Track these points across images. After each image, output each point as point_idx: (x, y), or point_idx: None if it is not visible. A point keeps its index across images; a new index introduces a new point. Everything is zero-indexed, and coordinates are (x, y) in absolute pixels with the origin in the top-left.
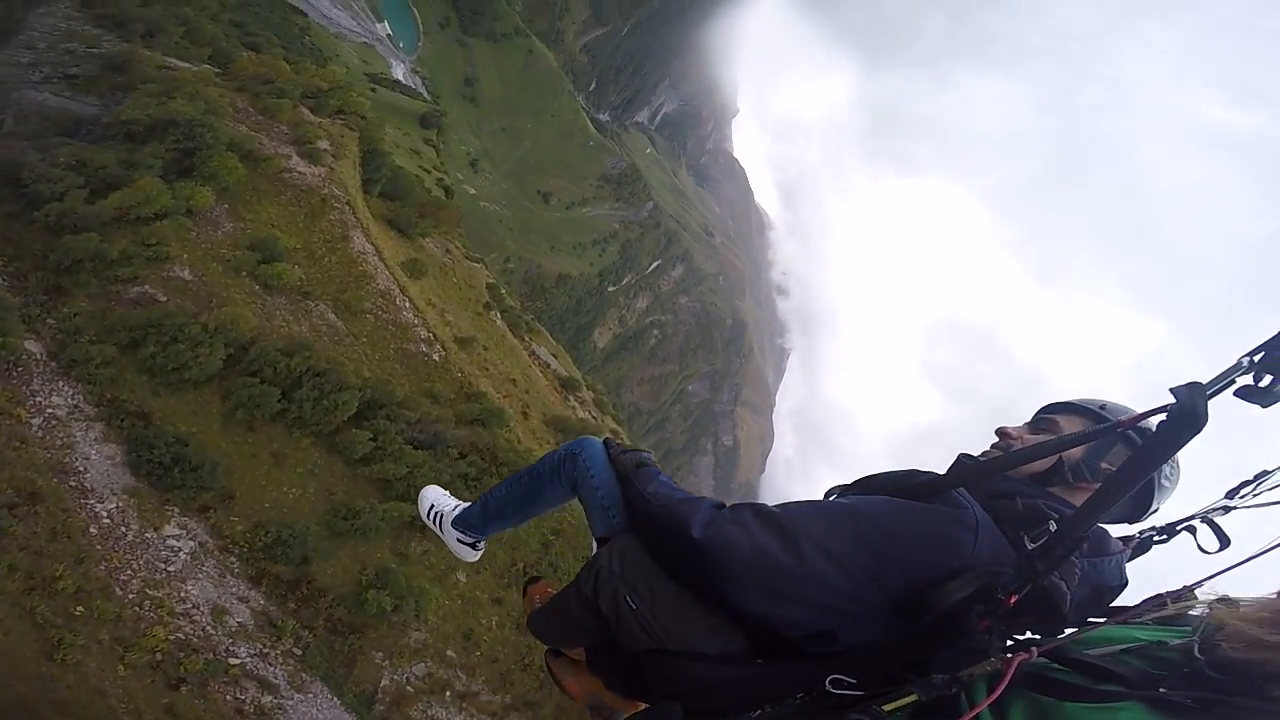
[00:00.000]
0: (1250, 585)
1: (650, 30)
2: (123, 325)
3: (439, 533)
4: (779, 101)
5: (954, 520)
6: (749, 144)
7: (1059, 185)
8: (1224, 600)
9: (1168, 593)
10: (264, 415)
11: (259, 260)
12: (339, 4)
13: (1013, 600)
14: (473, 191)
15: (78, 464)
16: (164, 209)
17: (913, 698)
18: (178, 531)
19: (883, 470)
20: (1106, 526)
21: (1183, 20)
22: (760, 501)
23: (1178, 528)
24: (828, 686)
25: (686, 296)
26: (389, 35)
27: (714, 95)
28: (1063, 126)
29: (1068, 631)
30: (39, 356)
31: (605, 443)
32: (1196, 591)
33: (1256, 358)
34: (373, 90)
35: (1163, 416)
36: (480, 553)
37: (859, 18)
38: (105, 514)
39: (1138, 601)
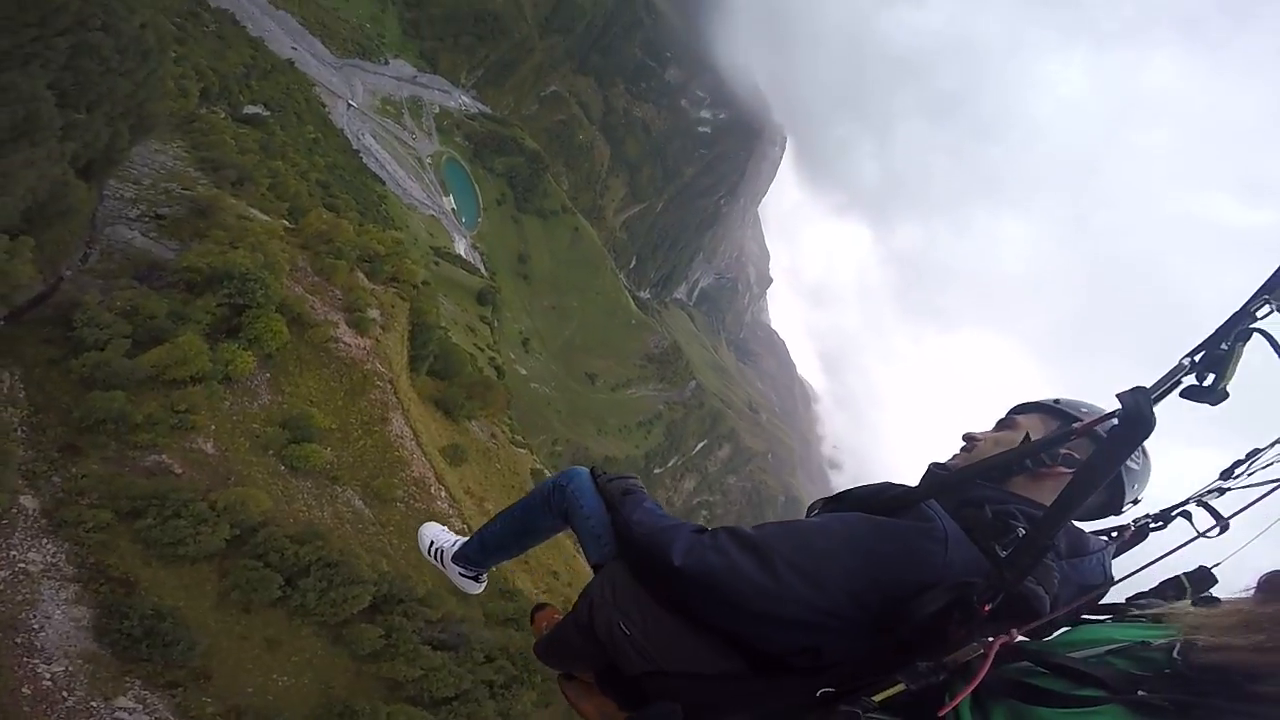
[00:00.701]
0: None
1: (682, 204)
2: (128, 493)
3: (441, 568)
4: (810, 268)
5: (922, 534)
6: (787, 313)
7: (1098, 316)
8: (1206, 600)
9: (1151, 590)
10: (262, 599)
11: (289, 439)
12: (412, 175)
13: (987, 609)
14: (524, 372)
15: (33, 622)
16: (200, 372)
17: (900, 687)
18: (133, 705)
19: (859, 485)
20: (1084, 525)
21: (1162, 125)
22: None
23: (1173, 513)
24: (818, 699)
25: (735, 476)
26: (453, 209)
27: (747, 267)
28: (1087, 255)
29: (1057, 633)
30: (31, 512)
31: (592, 471)
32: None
33: (1197, 357)
34: (436, 264)
35: (1114, 421)
36: (483, 585)
37: (868, 177)
38: (48, 676)
39: (1130, 596)
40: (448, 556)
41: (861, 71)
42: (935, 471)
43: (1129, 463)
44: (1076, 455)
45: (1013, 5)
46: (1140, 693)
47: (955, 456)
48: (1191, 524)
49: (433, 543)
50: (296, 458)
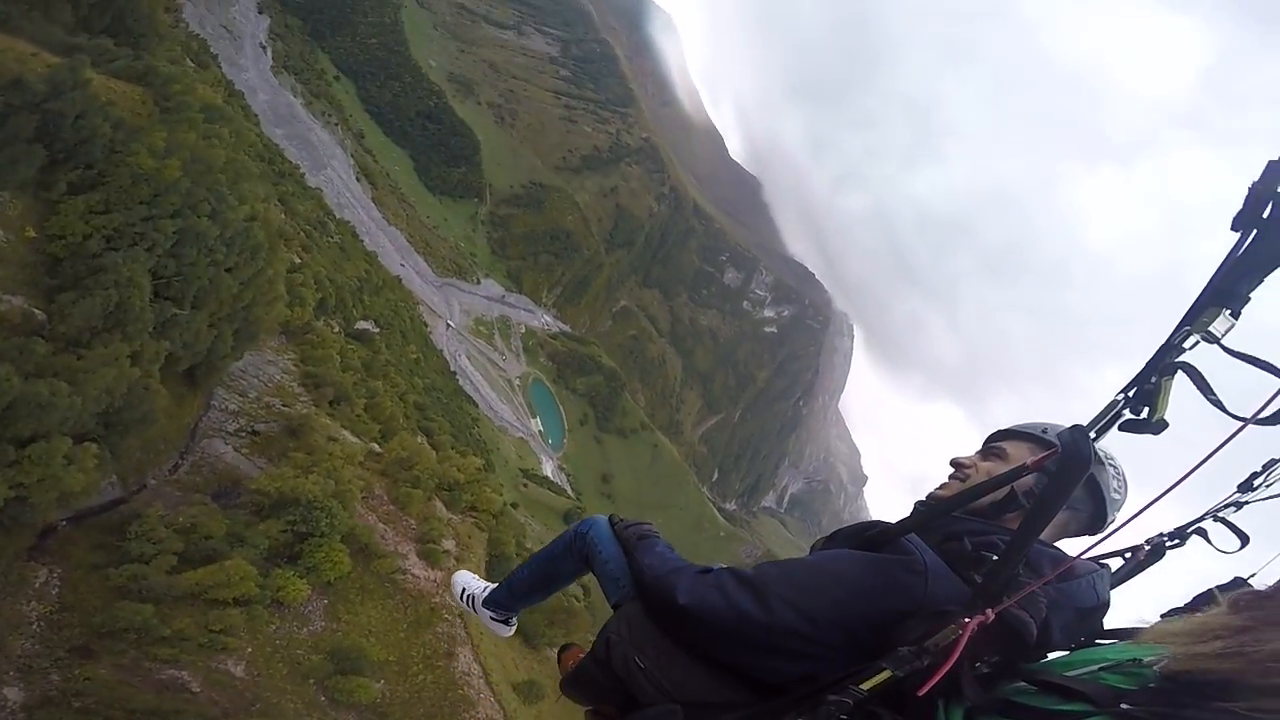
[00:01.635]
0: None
1: (760, 410)
2: (129, 704)
3: (473, 612)
4: (905, 459)
5: (903, 567)
6: (888, 509)
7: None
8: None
9: (1185, 605)
10: None
11: (335, 670)
12: (503, 397)
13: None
14: None
15: None
16: (245, 595)
17: (887, 674)
18: None
19: (848, 523)
20: (1098, 549)
21: (1222, 222)
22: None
23: (1188, 530)
24: (806, 692)
25: None
26: (540, 431)
27: (837, 468)
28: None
29: (1054, 655)
30: (11, 704)
31: (610, 519)
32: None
33: (1131, 393)
34: (524, 486)
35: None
36: (513, 628)
37: (946, 353)
38: None
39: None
40: (479, 602)
41: (908, 243)
42: (919, 508)
43: (1111, 491)
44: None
45: (1023, 143)
46: (1124, 706)
47: (945, 486)
48: (1208, 540)
49: (465, 589)
50: (341, 690)
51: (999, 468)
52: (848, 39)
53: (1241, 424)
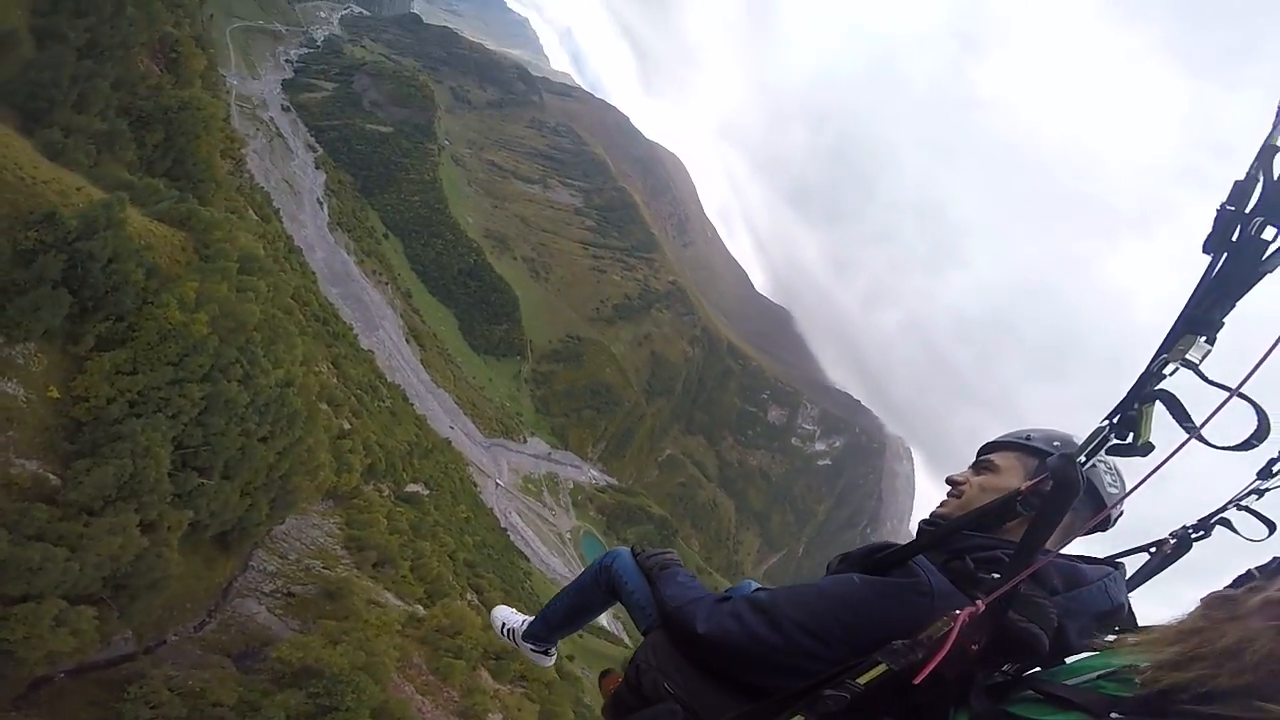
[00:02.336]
0: None
1: (824, 544)
2: None
3: (514, 645)
4: None
5: (909, 589)
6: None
7: None
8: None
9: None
10: None
11: None
12: (554, 550)
13: (974, 648)
14: None
15: None
16: None
17: (882, 668)
18: None
19: (860, 546)
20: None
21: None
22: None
23: (1212, 521)
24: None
25: None
26: None
27: None
28: None
29: (1072, 658)
30: None
31: (633, 549)
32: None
33: (1115, 419)
34: (580, 636)
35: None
36: (553, 658)
37: None
38: None
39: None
40: (518, 635)
41: (950, 351)
42: (925, 529)
43: (1108, 487)
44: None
45: (1039, 227)
46: (1114, 715)
47: (944, 504)
48: (1233, 529)
49: (504, 623)
50: None
51: (990, 480)
52: (845, 158)
53: (1189, 435)
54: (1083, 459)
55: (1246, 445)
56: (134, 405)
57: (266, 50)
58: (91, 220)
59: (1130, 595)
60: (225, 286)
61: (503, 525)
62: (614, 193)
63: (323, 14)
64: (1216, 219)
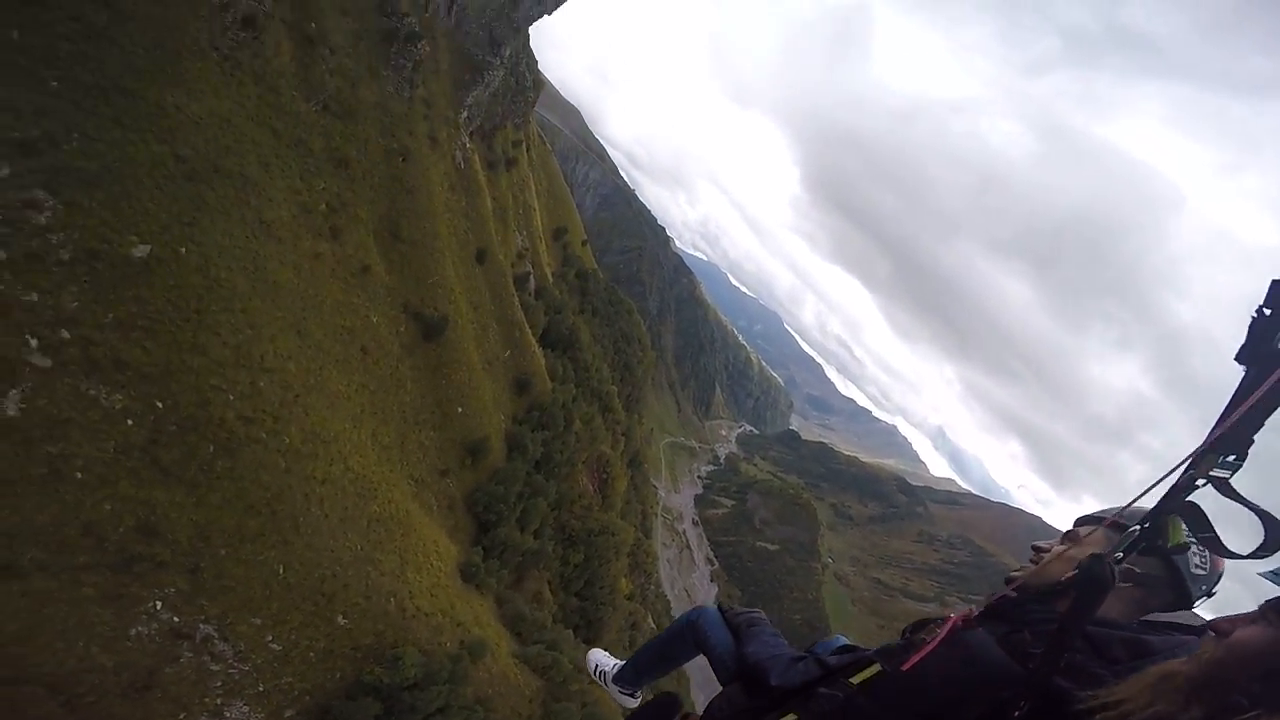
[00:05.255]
0: None
1: None
2: None
3: (604, 686)
4: None
5: (967, 662)
6: None
7: None
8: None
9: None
10: None
11: None
12: None
13: (1017, 714)
14: None
15: None
16: None
17: (876, 668)
18: None
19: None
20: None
21: None
22: None
23: None
24: (800, 686)
25: None
26: None
27: None
28: None
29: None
30: None
31: (719, 607)
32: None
33: (1145, 525)
34: None
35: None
36: (639, 700)
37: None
38: None
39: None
40: (609, 678)
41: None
42: (997, 602)
43: (1194, 569)
44: (1137, 570)
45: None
46: None
47: (1022, 567)
48: None
49: (597, 666)
50: None
51: (1068, 550)
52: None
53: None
54: (1120, 553)
55: (1257, 555)
56: None
57: (685, 465)
58: (434, 672)
59: None
60: None
61: None
62: None
63: (724, 431)
64: (1252, 327)
